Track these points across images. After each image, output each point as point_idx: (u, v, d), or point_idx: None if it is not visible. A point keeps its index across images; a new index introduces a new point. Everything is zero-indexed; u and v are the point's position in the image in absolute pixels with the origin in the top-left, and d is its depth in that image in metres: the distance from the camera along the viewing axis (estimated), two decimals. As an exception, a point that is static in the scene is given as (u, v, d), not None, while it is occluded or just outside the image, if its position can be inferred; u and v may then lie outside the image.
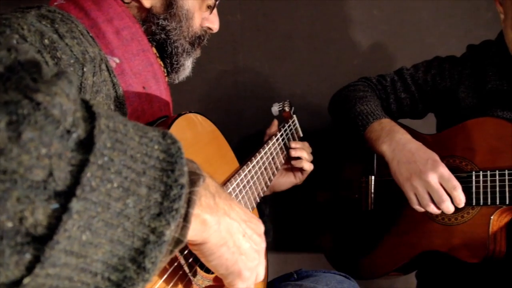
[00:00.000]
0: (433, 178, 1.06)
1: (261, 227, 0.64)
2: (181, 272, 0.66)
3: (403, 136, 1.16)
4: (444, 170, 1.06)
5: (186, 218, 0.46)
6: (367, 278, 1.29)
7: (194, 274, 0.68)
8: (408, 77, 1.34)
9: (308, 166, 1.22)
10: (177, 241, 0.46)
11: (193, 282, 0.67)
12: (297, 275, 1.04)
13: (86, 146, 0.38)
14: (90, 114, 0.40)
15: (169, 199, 0.42)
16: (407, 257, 1.20)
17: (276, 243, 0.64)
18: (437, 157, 1.09)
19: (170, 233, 0.42)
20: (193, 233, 0.50)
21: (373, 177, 1.33)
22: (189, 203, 0.47)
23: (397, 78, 1.37)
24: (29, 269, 0.35)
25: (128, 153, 0.41)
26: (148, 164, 0.42)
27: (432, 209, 1.08)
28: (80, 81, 0.64)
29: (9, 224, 0.34)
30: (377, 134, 1.20)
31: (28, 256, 0.35)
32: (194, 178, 0.48)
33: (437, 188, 1.06)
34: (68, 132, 0.37)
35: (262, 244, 0.63)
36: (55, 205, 0.36)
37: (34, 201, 0.35)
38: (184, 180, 0.44)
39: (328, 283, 0.94)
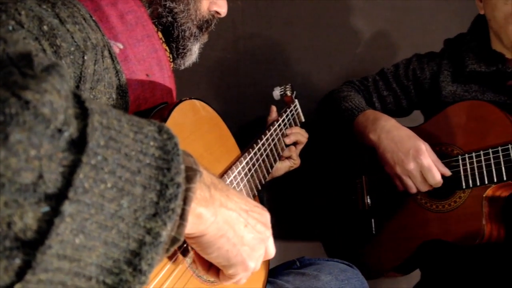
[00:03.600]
0: (414, 169, 1.10)
1: (265, 216, 0.61)
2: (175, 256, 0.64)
3: (387, 122, 1.18)
4: (425, 160, 1.08)
5: (182, 216, 0.43)
6: (371, 277, 1.24)
7: (185, 253, 0.65)
8: (389, 75, 1.36)
9: (302, 138, 1.19)
10: (174, 240, 0.43)
11: (186, 263, 0.65)
12: (300, 263, 1.02)
13: (78, 145, 0.35)
14: (82, 111, 0.36)
15: (165, 198, 0.39)
16: (410, 250, 1.18)
17: (278, 230, 0.61)
18: (420, 146, 1.10)
19: (166, 233, 0.39)
20: (189, 227, 0.47)
21: (366, 176, 1.32)
22: (186, 200, 0.43)
23: (379, 77, 1.38)
24: (19, 274, 0.32)
25: (122, 151, 0.38)
26: (143, 162, 0.39)
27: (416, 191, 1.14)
28: (80, 70, 0.61)
29: None
30: (363, 126, 1.22)
31: (17, 262, 0.32)
32: (191, 174, 0.45)
33: (417, 176, 1.11)
34: (59, 131, 0.34)
35: (266, 233, 0.59)
36: (45, 208, 0.33)
37: (23, 205, 0.32)
38: (181, 178, 0.41)
39: (331, 272, 0.92)
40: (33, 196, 0.32)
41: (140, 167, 0.39)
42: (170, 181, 0.40)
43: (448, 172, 1.10)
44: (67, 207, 0.33)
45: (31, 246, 0.32)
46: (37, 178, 0.32)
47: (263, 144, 1.00)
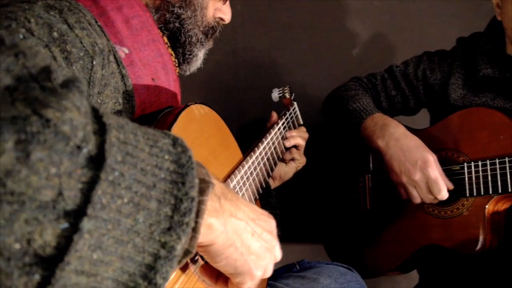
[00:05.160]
0: (420, 180, 1.08)
1: (271, 224, 0.60)
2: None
3: (396, 129, 1.15)
4: (432, 172, 1.06)
5: (195, 229, 0.43)
6: (370, 276, 1.25)
7: (194, 262, 0.66)
8: (398, 74, 1.31)
9: (301, 142, 1.18)
10: (186, 252, 0.43)
11: (192, 270, 0.65)
12: (299, 266, 1.02)
13: (96, 161, 0.35)
14: (100, 126, 0.36)
15: (180, 212, 0.40)
16: (408, 253, 1.18)
17: (278, 233, 0.62)
18: (428, 157, 1.07)
19: (181, 247, 0.39)
20: (200, 237, 0.48)
21: (369, 176, 1.30)
22: (198, 213, 0.43)
23: (387, 76, 1.34)
24: None
25: (138, 166, 0.38)
26: (158, 176, 0.39)
27: (421, 201, 1.12)
28: (89, 75, 0.60)
29: (17, 246, 0.31)
30: (371, 130, 1.18)
31: (37, 277, 0.32)
32: (203, 187, 0.45)
33: (422, 188, 1.09)
34: (78, 148, 0.34)
35: (272, 241, 0.59)
36: (64, 225, 0.33)
37: (42, 222, 0.32)
38: (195, 192, 0.41)
39: (330, 275, 0.92)
40: (53, 213, 0.32)
41: (155, 182, 0.39)
42: (184, 195, 0.40)
43: (451, 186, 1.08)
44: (86, 224, 0.33)
45: (50, 262, 0.32)
46: (56, 195, 0.32)
47: (264, 148, 1.00)
